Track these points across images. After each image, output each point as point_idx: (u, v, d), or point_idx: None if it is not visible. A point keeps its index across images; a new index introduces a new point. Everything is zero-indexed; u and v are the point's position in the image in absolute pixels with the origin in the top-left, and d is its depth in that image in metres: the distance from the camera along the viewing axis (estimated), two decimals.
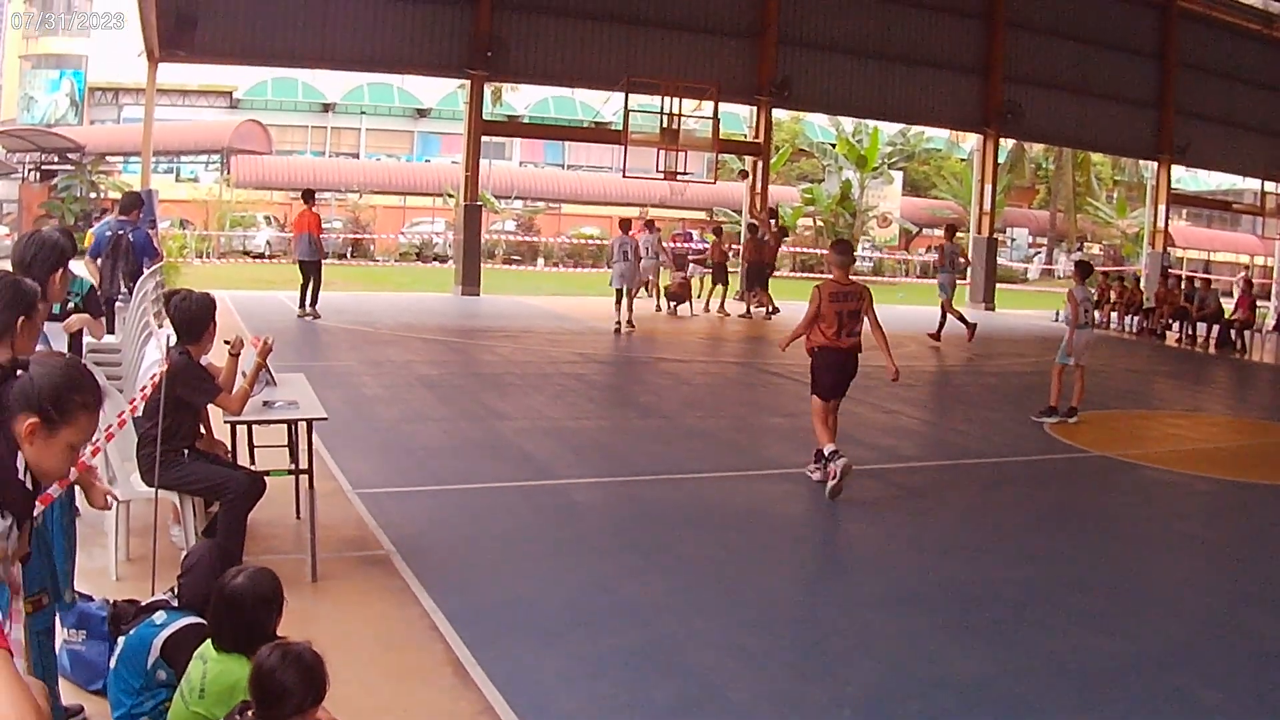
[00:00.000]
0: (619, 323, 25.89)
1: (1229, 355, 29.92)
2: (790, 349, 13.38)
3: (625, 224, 28.63)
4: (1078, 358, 16.77)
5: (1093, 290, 18.30)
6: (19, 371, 3.87)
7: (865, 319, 12.34)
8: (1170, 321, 32.89)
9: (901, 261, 60.21)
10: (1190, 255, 67.07)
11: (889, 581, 9.34)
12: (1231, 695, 7.26)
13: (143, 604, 6.32)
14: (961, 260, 28.98)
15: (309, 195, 26.30)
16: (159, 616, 5.76)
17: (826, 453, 12.13)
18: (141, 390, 8.48)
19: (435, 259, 51.20)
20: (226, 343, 8.43)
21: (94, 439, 5.32)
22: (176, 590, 6.01)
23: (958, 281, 29.09)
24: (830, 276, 12.70)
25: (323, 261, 25.94)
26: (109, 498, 6.19)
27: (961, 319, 26.75)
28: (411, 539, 9.44)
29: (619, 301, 26.21)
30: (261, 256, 50.13)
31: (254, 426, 9.80)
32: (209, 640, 5.27)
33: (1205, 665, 7.78)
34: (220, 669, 5.08)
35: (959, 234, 33.26)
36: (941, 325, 26.54)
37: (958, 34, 38.82)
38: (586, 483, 12.24)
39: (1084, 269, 18.48)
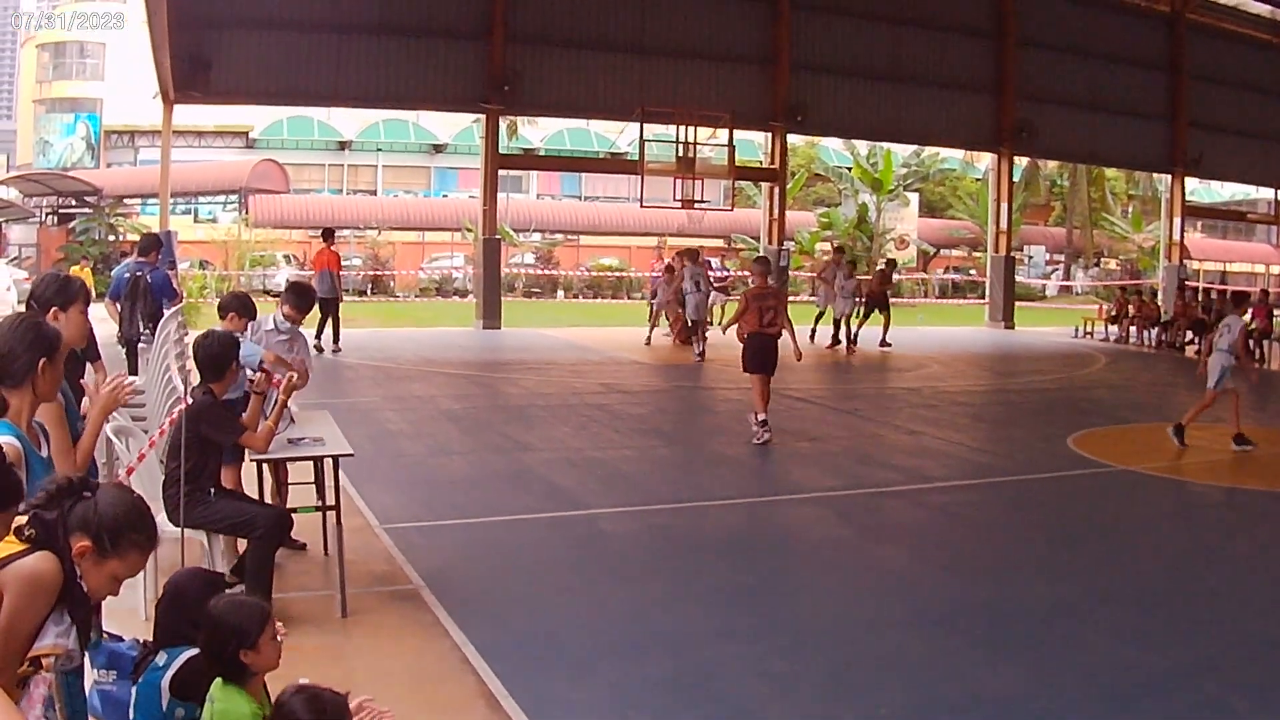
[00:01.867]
0: (700, 353, 26.21)
1: (1247, 366, 29.77)
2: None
3: (694, 254, 28.78)
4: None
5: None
6: (86, 493, 3.96)
7: (779, 314, 16.07)
8: (1189, 334, 32.83)
9: (920, 282, 60.10)
10: (1207, 267, 66.84)
11: (918, 602, 9.32)
12: (1264, 705, 7.24)
13: (145, 643, 6.36)
14: (843, 279, 28.90)
15: (329, 234, 26.66)
16: (161, 658, 5.75)
17: (761, 418, 15.89)
18: (160, 427, 8.52)
19: (455, 294, 51.27)
20: (250, 382, 8.47)
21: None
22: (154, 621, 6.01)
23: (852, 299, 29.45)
24: (755, 283, 16.96)
25: (340, 299, 26.08)
26: None
27: (835, 336, 28.02)
28: (440, 573, 9.46)
29: (697, 332, 26.64)
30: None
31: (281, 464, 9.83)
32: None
33: (1237, 675, 7.77)
34: (224, 706, 5.06)
35: (844, 254, 33.34)
36: (851, 338, 27.69)
37: (968, 54, 38.85)
38: (614, 512, 12.24)
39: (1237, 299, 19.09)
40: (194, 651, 5.61)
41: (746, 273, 38.74)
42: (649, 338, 30.78)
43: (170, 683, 5.60)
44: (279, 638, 5.31)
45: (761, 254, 20.29)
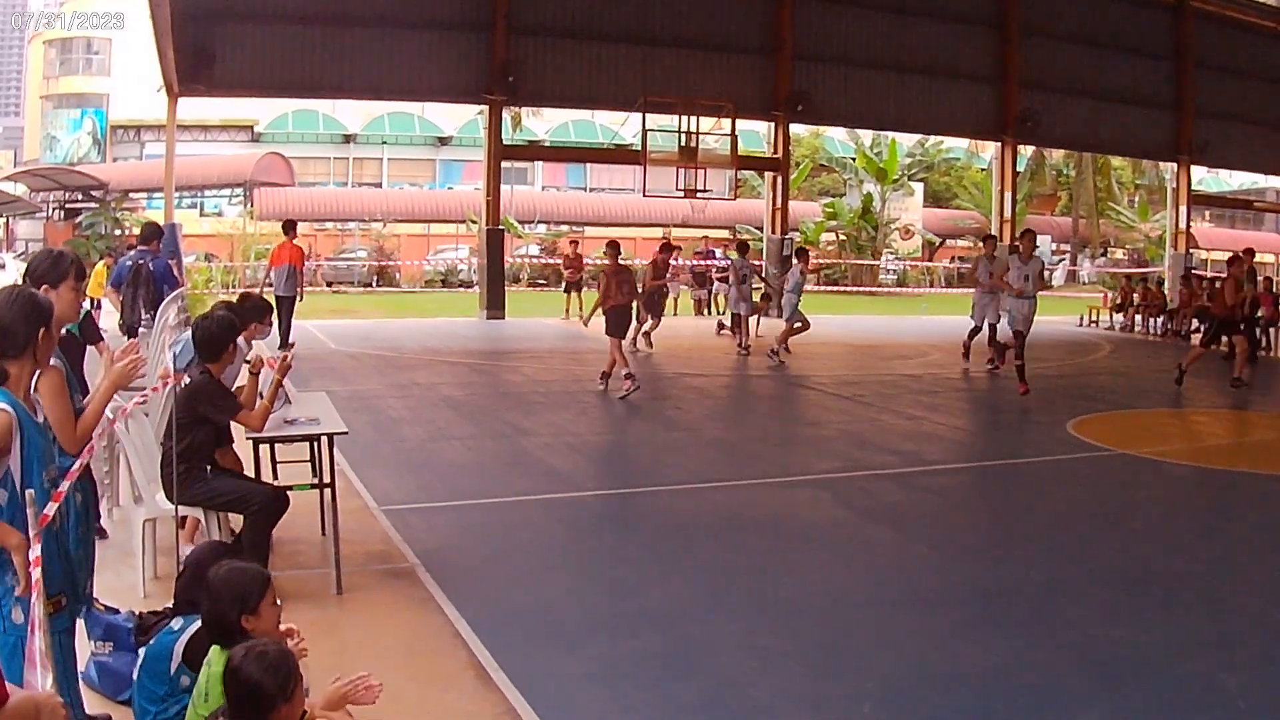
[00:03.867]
0: (743, 346, 25.87)
1: (1253, 353, 29.78)
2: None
3: (743, 246, 28.80)
4: None
5: None
6: None
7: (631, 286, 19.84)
8: (1194, 322, 32.80)
9: (925, 272, 60.05)
10: (1215, 256, 66.76)
11: (910, 582, 9.37)
12: (1254, 681, 7.27)
13: (160, 612, 6.43)
14: (750, 275, 28.25)
15: (290, 226, 25.05)
16: (176, 623, 5.82)
17: (628, 371, 18.52)
18: (144, 393, 8.59)
19: (460, 285, 51.29)
20: (246, 362, 8.55)
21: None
22: (174, 593, 6.09)
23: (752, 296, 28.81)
24: (609, 263, 20.26)
25: (300, 298, 24.29)
26: None
27: (734, 329, 27.14)
28: (436, 552, 9.53)
29: (740, 325, 26.57)
30: None
31: (276, 444, 9.89)
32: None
33: (1229, 653, 7.80)
34: (219, 670, 5.11)
35: (750, 249, 32.85)
36: (741, 331, 26.62)
37: (972, 42, 38.88)
38: (610, 494, 12.33)
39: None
40: None
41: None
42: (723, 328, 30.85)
43: (184, 647, 5.68)
44: (278, 603, 5.39)
45: (612, 239, 20.86)
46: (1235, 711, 6.82)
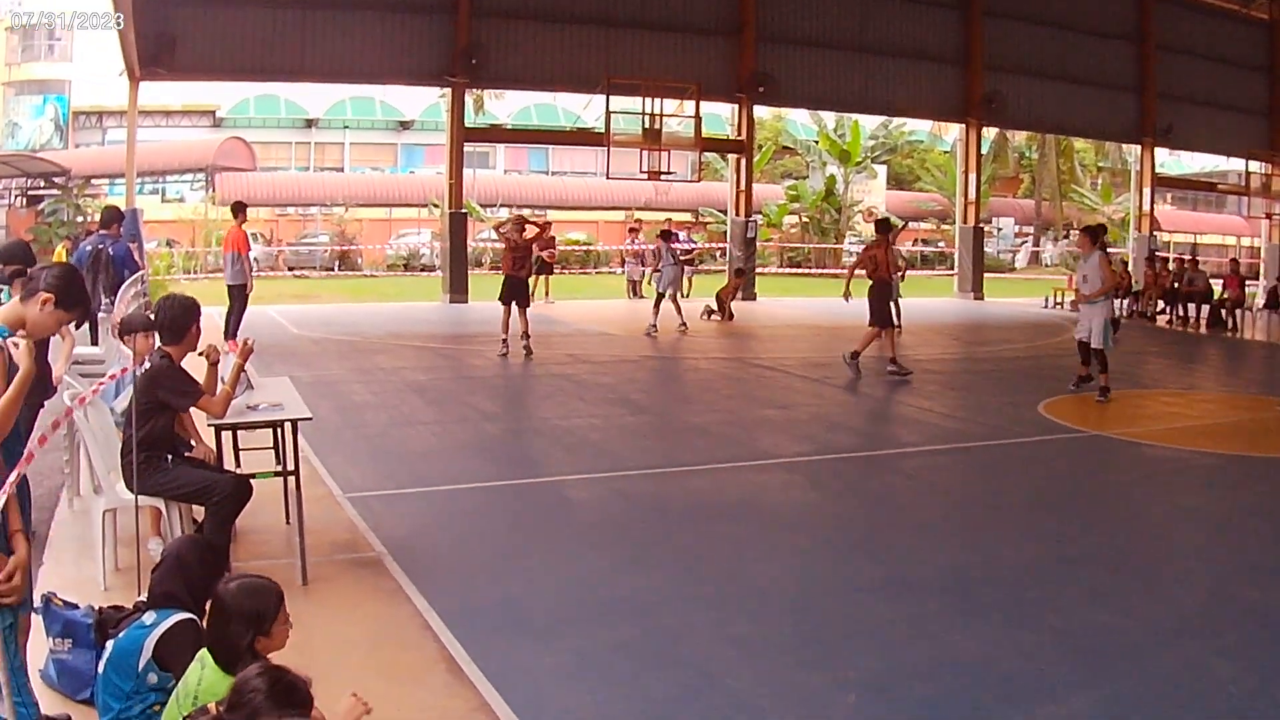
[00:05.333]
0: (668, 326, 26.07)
1: (1221, 334, 29.90)
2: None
3: (667, 234, 28.72)
4: None
5: None
6: None
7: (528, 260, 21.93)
8: (1159, 303, 32.93)
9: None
10: (1177, 239, 67.00)
11: (888, 566, 9.23)
12: (1245, 666, 7.17)
13: (129, 607, 6.21)
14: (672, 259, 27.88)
15: (240, 208, 22.52)
16: (148, 617, 5.59)
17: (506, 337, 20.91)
18: (108, 376, 8.41)
19: (423, 269, 51.04)
20: (200, 354, 8.33)
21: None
22: (148, 587, 5.86)
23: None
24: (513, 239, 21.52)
25: (250, 287, 22.31)
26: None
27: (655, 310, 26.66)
28: (402, 540, 9.35)
29: (657, 306, 26.65)
30: None
31: (239, 430, 9.68)
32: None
33: (1215, 637, 7.70)
34: (214, 680, 4.87)
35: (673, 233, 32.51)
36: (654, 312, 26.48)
37: (935, 24, 38.77)
38: (578, 479, 12.11)
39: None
40: (182, 616, 5.47)
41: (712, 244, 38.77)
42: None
43: (155, 643, 5.46)
44: (290, 622, 5.18)
45: (518, 215, 22.07)
46: (1228, 698, 6.69)
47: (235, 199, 24.80)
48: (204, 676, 4.88)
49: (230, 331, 21.17)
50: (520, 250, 21.59)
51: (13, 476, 5.05)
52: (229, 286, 21.95)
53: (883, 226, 21.14)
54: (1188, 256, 40.14)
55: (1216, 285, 33.75)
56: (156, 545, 8.16)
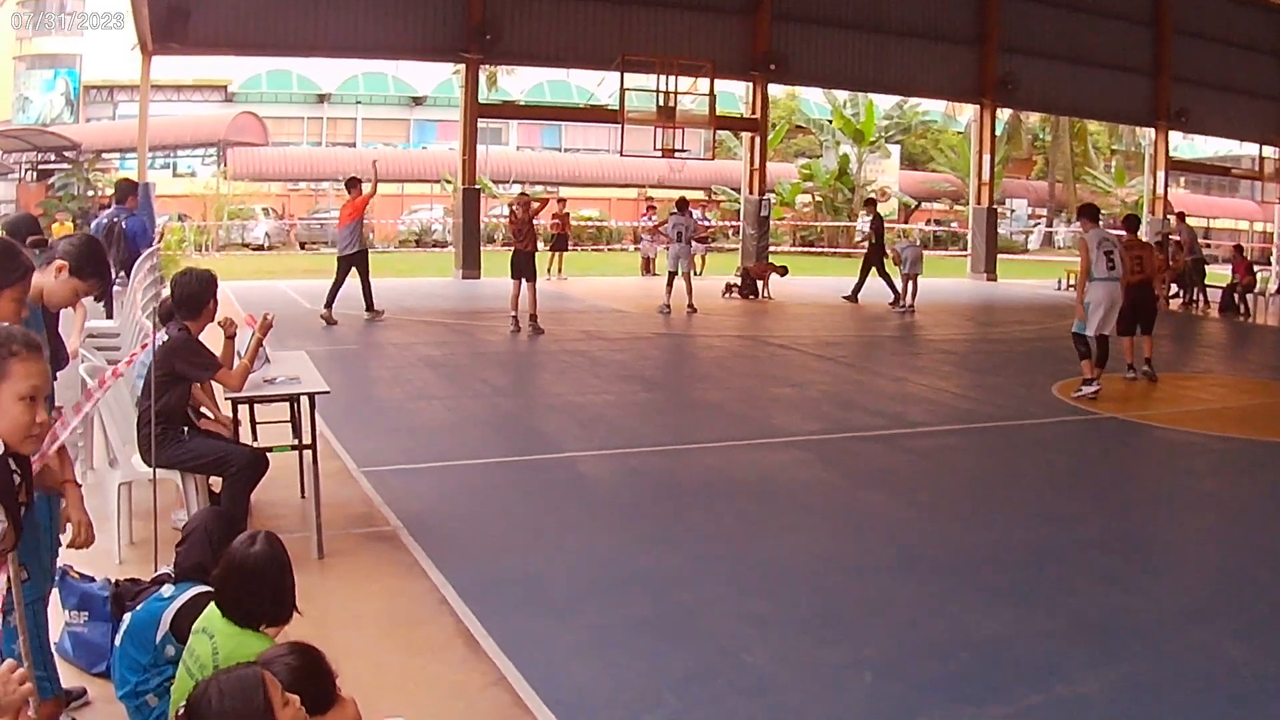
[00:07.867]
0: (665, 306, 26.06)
1: (1233, 319, 29.84)
2: None
3: (682, 204, 28.51)
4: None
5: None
6: None
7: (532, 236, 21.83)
8: (1173, 286, 32.83)
9: (901, 234, 59.93)
10: (1190, 223, 66.84)
11: (903, 546, 9.21)
12: (1258, 649, 7.14)
13: (147, 580, 6.21)
14: (687, 233, 27.55)
15: (352, 183, 23.31)
16: (166, 590, 5.59)
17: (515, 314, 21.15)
18: (128, 357, 8.40)
19: (435, 245, 51.04)
20: (220, 325, 8.34)
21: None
22: (174, 560, 5.85)
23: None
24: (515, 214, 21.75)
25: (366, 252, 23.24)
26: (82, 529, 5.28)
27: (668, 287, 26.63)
28: (418, 515, 9.36)
29: (670, 283, 26.56)
30: (260, 248, 49.90)
31: (256, 404, 9.69)
32: (211, 614, 5.03)
33: (1229, 620, 7.66)
34: (235, 644, 4.74)
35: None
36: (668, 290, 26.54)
37: (951, 4, 38.63)
38: (593, 455, 12.13)
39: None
40: (201, 589, 5.45)
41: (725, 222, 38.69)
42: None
43: (174, 617, 5.45)
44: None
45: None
46: (1243, 680, 6.68)
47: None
48: (218, 645, 4.76)
49: (369, 303, 22.75)
50: (520, 225, 21.61)
51: (66, 432, 5.05)
52: (340, 257, 22.76)
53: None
54: (1171, 236, 39.56)
55: (1225, 270, 33.66)
56: (181, 515, 8.16)
